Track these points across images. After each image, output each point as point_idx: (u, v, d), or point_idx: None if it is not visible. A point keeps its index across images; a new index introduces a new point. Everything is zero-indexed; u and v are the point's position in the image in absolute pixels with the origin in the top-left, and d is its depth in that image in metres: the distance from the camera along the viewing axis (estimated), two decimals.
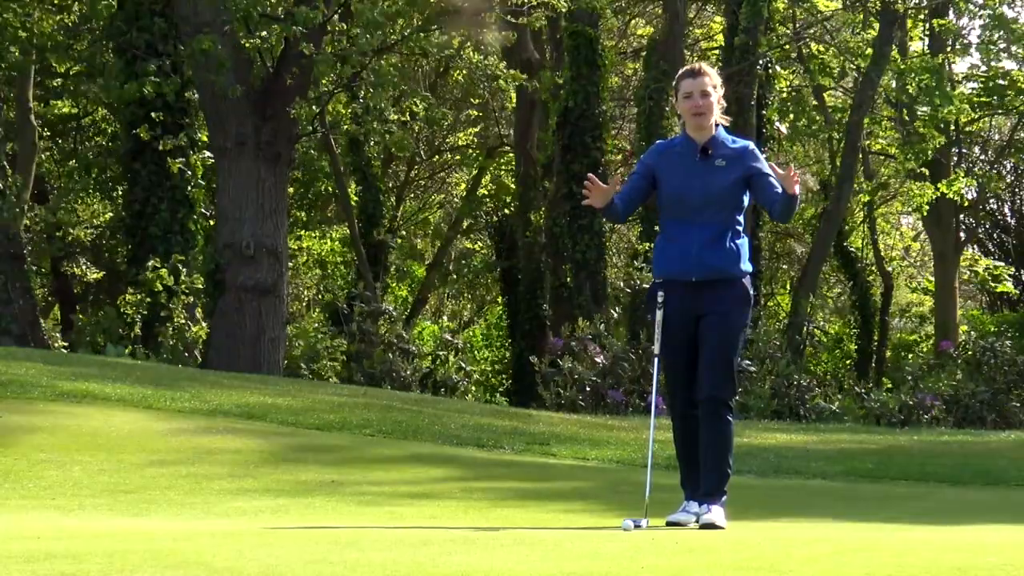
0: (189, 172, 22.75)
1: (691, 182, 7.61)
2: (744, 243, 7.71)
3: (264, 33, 19.40)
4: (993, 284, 35.80)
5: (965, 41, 33.34)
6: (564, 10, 23.01)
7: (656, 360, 7.87)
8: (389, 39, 20.98)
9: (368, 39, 19.28)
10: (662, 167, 7.72)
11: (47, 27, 21.47)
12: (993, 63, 32.42)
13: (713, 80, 7.69)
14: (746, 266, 7.69)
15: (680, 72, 7.85)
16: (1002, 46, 31.27)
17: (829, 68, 32.13)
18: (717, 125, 7.71)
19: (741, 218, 7.71)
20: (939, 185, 30.12)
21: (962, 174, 31.11)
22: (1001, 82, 31.95)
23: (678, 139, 7.83)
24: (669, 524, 7.53)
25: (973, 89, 32.88)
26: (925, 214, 31.58)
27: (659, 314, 7.68)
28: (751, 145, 7.88)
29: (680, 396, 7.74)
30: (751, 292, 7.77)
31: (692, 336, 7.65)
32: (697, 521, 7.56)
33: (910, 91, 29.61)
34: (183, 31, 20.75)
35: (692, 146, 7.68)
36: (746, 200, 7.72)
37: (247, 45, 19.36)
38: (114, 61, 21.22)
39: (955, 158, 32.72)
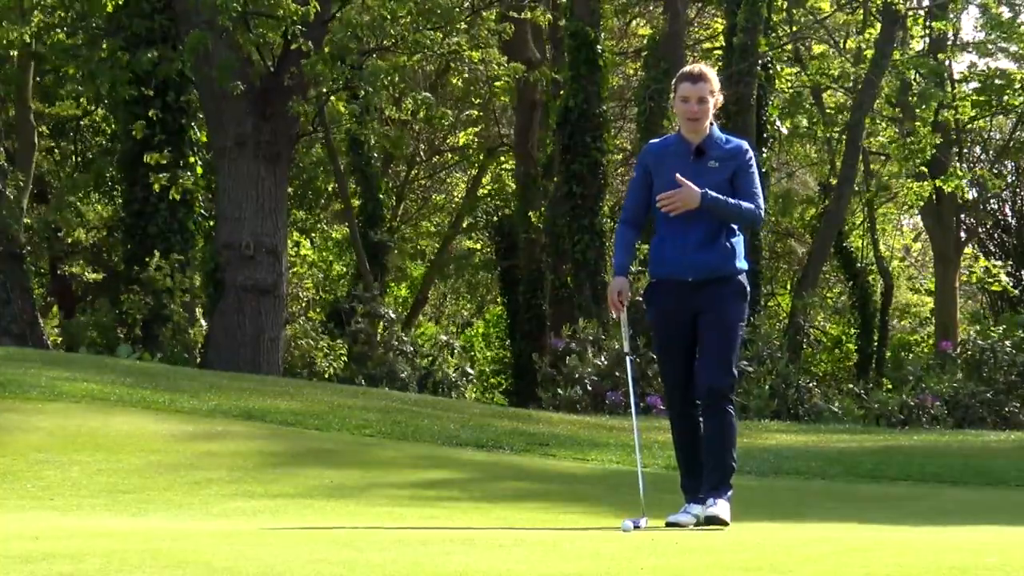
0: (199, 166, 22.68)
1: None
2: (739, 241, 7.71)
3: (261, 30, 19.40)
4: (990, 282, 35.79)
5: (963, 40, 33.36)
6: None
7: (629, 361, 8.09)
8: (387, 39, 20.97)
9: (352, 42, 19.28)
10: (656, 167, 7.73)
11: (36, 25, 21.43)
12: (989, 63, 32.45)
13: (712, 86, 7.70)
14: (741, 263, 7.70)
15: (680, 73, 7.85)
16: (1000, 44, 31.27)
17: (829, 69, 32.10)
18: (711, 125, 7.74)
19: None
20: (937, 181, 30.10)
21: (959, 173, 31.06)
22: (998, 81, 31.92)
23: (672, 138, 7.85)
24: (669, 525, 7.53)
25: (973, 88, 32.87)
26: (919, 210, 31.54)
27: (624, 315, 7.75)
28: (744, 145, 7.88)
29: (678, 395, 7.75)
30: (747, 288, 7.78)
31: (689, 336, 7.67)
32: (699, 521, 7.57)
33: (913, 87, 29.60)
34: (183, 28, 20.75)
35: (686, 146, 7.70)
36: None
37: (241, 41, 19.34)
38: (112, 43, 21.20)
39: (956, 158, 32.70)
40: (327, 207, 34.35)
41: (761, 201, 7.70)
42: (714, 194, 7.51)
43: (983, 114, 33.20)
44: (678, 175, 7.52)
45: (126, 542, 5.93)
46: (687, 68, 7.90)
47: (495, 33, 23.14)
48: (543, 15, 23.44)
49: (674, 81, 7.86)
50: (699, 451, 7.73)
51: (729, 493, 7.61)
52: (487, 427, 13.76)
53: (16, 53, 22.88)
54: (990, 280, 35.61)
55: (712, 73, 7.82)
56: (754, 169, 7.72)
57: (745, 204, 7.59)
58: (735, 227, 7.67)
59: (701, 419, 7.71)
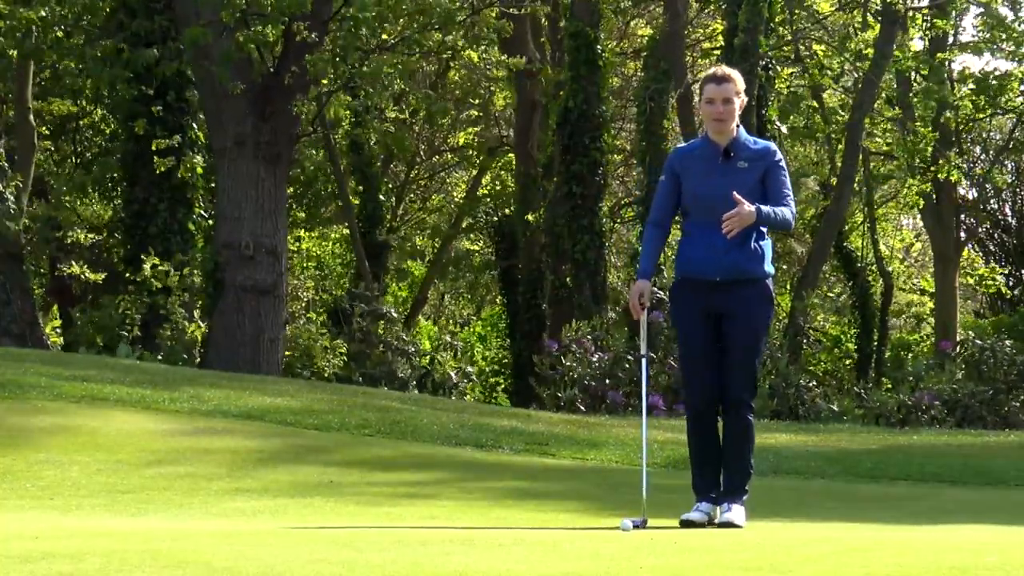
0: (198, 166, 22.66)
1: (714, 184, 7.62)
2: (768, 244, 7.73)
3: (261, 28, 19.39)
4: (987, 286, 35.81)
5: (962, 41, 33.35)
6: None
7: (645, 361, 8.16)
8: (390, 39, 20.99)
9: (358, 35, 19.27)
10: (685, 170, 7.75)
11: (34, 16, 21.41)
12: (985, 66, 32.49)
13: (737, 86, 7.74)
14: (769, 267, 7.74)
15: (705, 75, 7.90)
16: (1001, 45, 31.27)
17: (829, 69, 32.08)
18: (738, 127, 7.75)
19: None
20: (932, 168, 30.08)
21: (953, 159, 31.00)
22: (992, 81, 31.92)
23: (698, 142, 7.91)
24: (683, 524, 7.54)
25: (969, 89, 32.86)
26: (920, 208, 31.55)
27: (644, 316, 7.76)
28: (773, 146, 7.93)
29: (699, 395, 7.75)
30: (773, 294, 7.81)
31: (713, 336, 7.68)
32: (711, 519, 7.60)
33: (915, 85, 29.60)
34: (183, 28, 20.74)
35: (714, 148, 7.72)
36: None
37: (242, 38, 19.34)
38: (110, 45, 21.21)
39: (956, 159, 32.67)
40: (327, 207, 34.34)
41: (793, 203, 7.72)
42: (766, 209, 7.52)
43: (979, 114, 33.20)
44: (735, 193, 7.49)
45: (126, 542, 5.92)
46: (711, 70, 7.93)
47: (495, 31, 23.13)
48: (541, 7, 23.50)
49: (699, 84, 7.89)
50: (713, 452, 7.75)
51: (745, 498, 7.67)
52: (486, 427, 13.75)
53: (14, 53, 22.84)
54: (988, 284, 35.63)
55: (737, 74, 7.84)
56: (784, 170, 7.74)
57: (788, 212, 7.61)
58: (763, 230, 7.68)
59: (720, 421, 7.76)
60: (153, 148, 21.62)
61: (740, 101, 7.74)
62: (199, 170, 22.87)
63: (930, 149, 29.45)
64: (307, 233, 35.14)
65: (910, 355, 30.97)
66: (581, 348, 20.73)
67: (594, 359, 20.48)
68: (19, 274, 21.66)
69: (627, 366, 20.35)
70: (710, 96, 7.71)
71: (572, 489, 10.46)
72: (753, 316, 7.66)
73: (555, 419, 15.84)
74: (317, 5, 19.74)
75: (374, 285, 25.50)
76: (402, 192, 36.29)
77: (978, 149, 36.79)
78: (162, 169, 21.88)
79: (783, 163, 7.78)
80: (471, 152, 36.14)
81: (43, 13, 21.20)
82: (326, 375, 21.56)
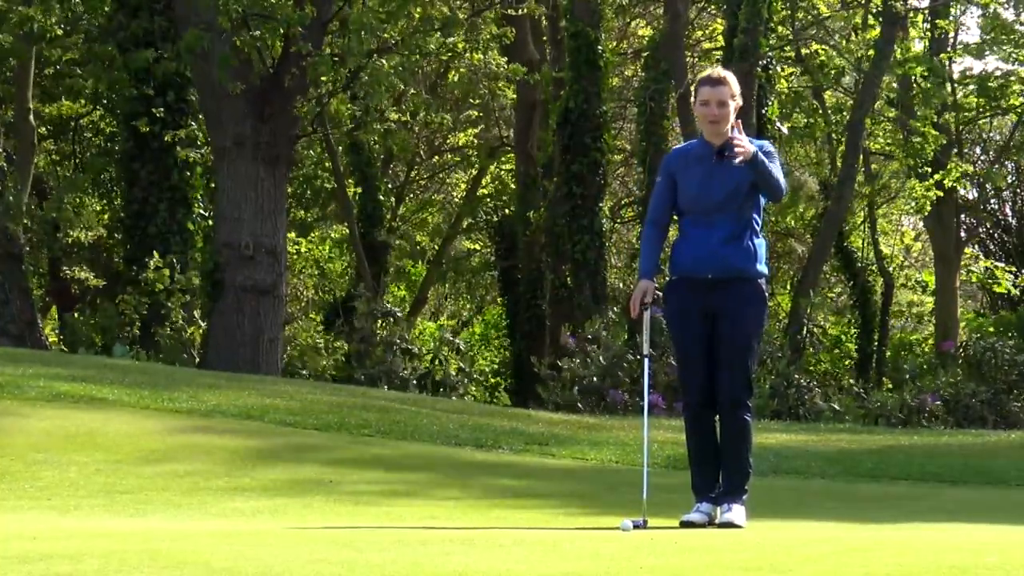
0: (198, 166, 22.67)
1: (709, 183, 7.67)
2: (762, 244, 7.76)
3: (258, 32, 19.39)
4: (990, 283, 35.77)
5: (963, 42, 33.35)
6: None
7: (648, 361, 8.10)
8: (389, 40, 20.97)
9: (362, 41, 19.28)
10: (681, 171, 7.79)
11: (39, 14, 21.41)
12: (987, 68, 32.49)
13: (732, 89, 7.78)
14: (762, 267, 7.76)
15: (701, 77, 7.93)
16: (1002, 47, 31.25)
17: (829, 69, 32.07)
18: (733, 128, 7.77)
19: (759, 219, 7.77)
20: (938, 175, 30.09)
21: (961, 166, 31.00)
22: (992, 84, 31.90)
23: (695, 143, 7.96)
24: (683, 524, 7.54)
25: (971, 90, 32.86)
26: (927, 213, 31.57)
27: (646, 315, 7.78)
28: (767, 145, 7.94)
29: (695, 396, 7.75)
30: (766, 294, 7.82)
31: (707, 335, 7.68)
32: (711, 520, 7.59)
33: (915, 86, 29.59)
34: (182, 30, 20.73)
35: (709, 149, 7.76)
36: (763, 200, 7.78)
37: (239, 43, 19.34)
38: (111, 48, 21.21)
39: (955, 158, 32.67)
40: (326, 206, 34.32)
41: (783, 183, 7.76)
42: (763, 158, 7.59)
43: (981, 116, 33.18)
44: (735, 132, 7.61)
45: (124, 542, 5.91)
46: (707, 72, 7.97)
47: (497, 37, 23.14)
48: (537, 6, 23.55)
49: (695, 85, 7.92)
50: (712, 451, 7.74)
51: (744, 498, 7.67)
52: (486, 427, 13.75)
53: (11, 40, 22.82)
54: (992, 280, 35.58)
55: (732, 77, 7.88)
56: (776, 159, 7.78)
57: (781, 180, 7.69)
58: (757, 229, 7.72)
59: (717, 421, 7.75)
60: (168, 140, 21.63)
61: (735, 104, 7.78)
62: (199, 170, 22.87)
63: (931, 151, 29.42)
64: (305, 240, 35.10)
65: (910, 355, 30.93)
66: (581, 348, 20.74)
67: (598, 359, 20.48)
68: (18, 274, 21.66)
69: (627, 365, 20.35)
70: (704, 98, 7.75)
71: (572, 489, 10.45)
72: (746, 315, 7.67)
73: (555, 419, 15.84)
74: (316, 7, 19.73)
75: (374, 285, 25.50)
76: (402, 192, 36.27)
77: (978, 149, 36.78)
78: (184, 157, 21.89)
79: (776, 155, 7.81)
80: (471, 152, 36.12)
81: (41, 16, 21.22)
82: (326, 375, 21.54)
